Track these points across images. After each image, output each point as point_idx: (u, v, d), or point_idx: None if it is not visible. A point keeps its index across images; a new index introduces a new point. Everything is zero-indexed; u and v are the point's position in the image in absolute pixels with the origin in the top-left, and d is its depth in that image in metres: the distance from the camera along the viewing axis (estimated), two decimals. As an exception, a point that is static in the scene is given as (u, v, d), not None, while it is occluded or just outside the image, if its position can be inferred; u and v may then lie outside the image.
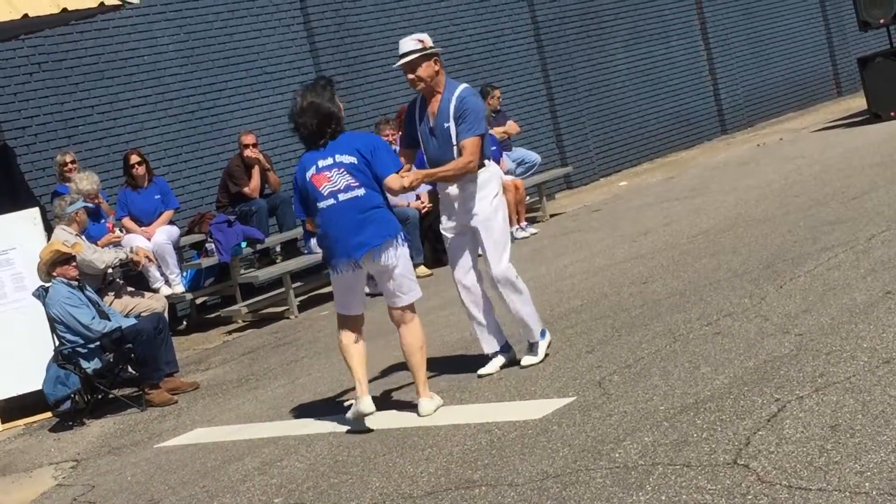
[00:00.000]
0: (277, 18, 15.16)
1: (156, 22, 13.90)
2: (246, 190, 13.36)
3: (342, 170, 7.24)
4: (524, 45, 18.40)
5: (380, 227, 7.27)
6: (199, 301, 13.50)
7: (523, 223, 14.60)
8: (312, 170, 7.31)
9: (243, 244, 12.88)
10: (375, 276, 7.48)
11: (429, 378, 7.63)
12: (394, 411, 7.65)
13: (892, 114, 17.43)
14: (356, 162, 7.25)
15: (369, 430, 7.26)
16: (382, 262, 7.30)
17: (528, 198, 15.31)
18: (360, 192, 7.24)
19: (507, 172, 15.14)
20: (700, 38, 21.52)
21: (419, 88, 7.87)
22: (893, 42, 18.16)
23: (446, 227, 7.99)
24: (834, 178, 12.99)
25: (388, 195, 7.46)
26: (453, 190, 7.87)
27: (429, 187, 13.72)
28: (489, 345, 8.05)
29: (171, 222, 12.83)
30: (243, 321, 12.70)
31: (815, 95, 23.58)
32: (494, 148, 14.95)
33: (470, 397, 7.57)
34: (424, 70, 7.81)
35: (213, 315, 13.27)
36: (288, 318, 12.39)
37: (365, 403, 7.24)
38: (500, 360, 8.03)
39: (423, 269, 13.07)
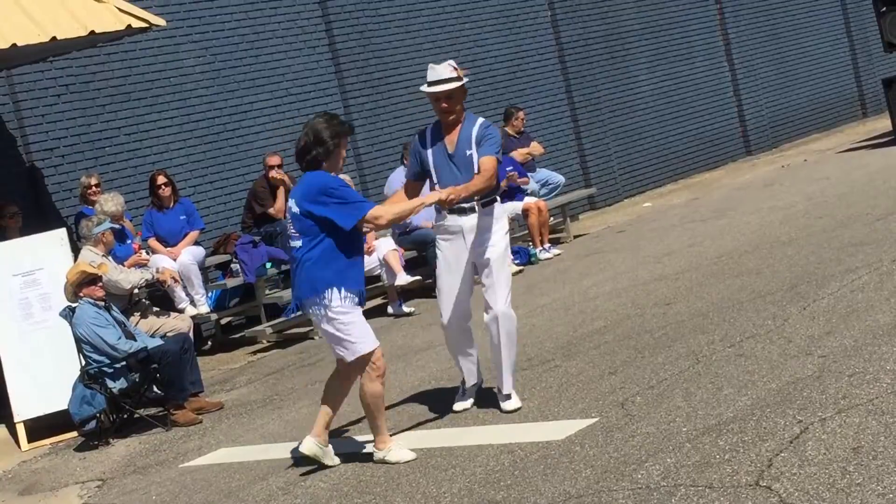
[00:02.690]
0: (303, 40, 15.25)
1: (182, 44, 14.01)
2: (271, 211, 13.42)
3: (290, 217, 7.17)
4: (548, 66, 18.45)
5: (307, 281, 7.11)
6: (223, 321, 13.56)
7: (546, 244, 14.61)
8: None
9: (268, 265, 12.94)
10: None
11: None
12: (419, 431, 7.67)
13: (917, 135, 17.41)
14: (298, 212, 7.06)
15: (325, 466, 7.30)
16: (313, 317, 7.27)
17: (551, 219, 15.33)
18: (298, 242, 7.13)
19: (530, 193, 15.19)
20: (724, 58, 21.53)
21: (449, 119, 7.71)
22: (918, 63, 18.14)
23: (446, 261, 7.89)
24: (858, 200, 12.97)
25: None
26: (469, 221, 7.73)
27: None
28: (473, 376, 8.00)
29: (196, 243, 12.88)
30: (268, 341, 12.75)
31: (839, 117, 23.54)
32: (511, 168, 15.02)
33: (493, 418, 7.59)
34: (458, 100, 7.73)
35: (237, 335, 13.32)
36: (312, 338, 12.43)
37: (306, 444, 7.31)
38: (471, 397, 7.99)
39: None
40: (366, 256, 12.84)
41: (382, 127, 15.90)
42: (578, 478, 5.96)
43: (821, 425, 5.89)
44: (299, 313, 7.60)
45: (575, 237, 15.84)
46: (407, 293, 13.11)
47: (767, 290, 9.37)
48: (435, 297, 12.96)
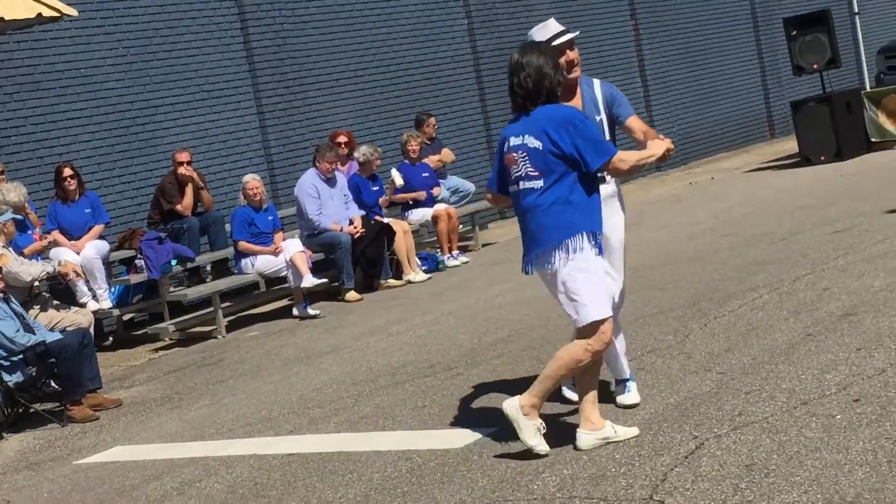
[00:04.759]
0: (217, 37, 15.13)
1: (94, 35, 13.81)
2: (178, 207, 13.29)
3: (525, 154, 6.29)
4: (463, 74, 18.49)
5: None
6: (126, 317, 13.38)
7: (455, 252, 14.64)
8: (507, 146, 6.39)
9: (173, 262, 12.79)
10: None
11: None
12: (318, 435, 7.64)
13: (822, 158, 17.71)
14: (539, 146, 6.24)
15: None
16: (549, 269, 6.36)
17: (461, 226, 15.36)
18: (536, 182, 6.27)
19: (440, 200, 15.21)
20: (637, 75, 21.73)
21: (575, 75, 6.87)
22: (826, 88, 18.46)
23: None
24: (763, 220, 13.17)
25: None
26: (610, 188, 6.96)
27: (362, 213, 13.76)
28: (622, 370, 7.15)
29: (100, 237, 12.71)
30: (170, 339, 12.61)
31: (748, 137, 23.86)
32: (427, 175, 15.05)
33: (393, 424, 7.57)
34: (577, 54, 6.97)
35: (139, 332, 13.16)
36: (215, 337, 12.33)
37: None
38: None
39: (353, 294, 13.07)
40: (272, 257, 12.87)
41: (295, 128, 15.82)
42: (475, 486, 5.97)
43: (716, 441, 5.95)
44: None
45: (483, 245, 15.89)
46: (313, 295, 13.05)
47: (670, 306, 9.47)
48: (341, 300, 13.09)
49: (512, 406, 6.24)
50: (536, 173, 6.23)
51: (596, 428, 6.26)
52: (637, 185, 20.22)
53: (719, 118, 23.29)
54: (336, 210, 13.57)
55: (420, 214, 14.83)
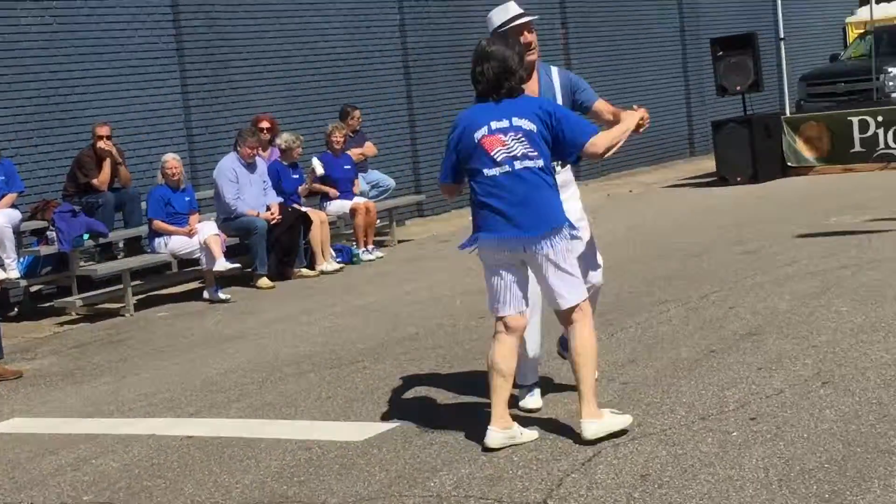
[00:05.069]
0: (147, 13, 14.97)
1: (21, 1, 13.61)
2: (95, 182, 13.14)
3: (520, 135, 6.27)
4: (392, 69, 18.48)
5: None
6: (33, 289, 13.22)
7: (370, 246, 14.64)
8: (484, 130, 6.33)
9: (86, 236, 12.66)
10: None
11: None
12: (220, 420, 7.60)
13: (739, 179, 17.97)
14: (534, 129, 6.27)
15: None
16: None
17: (378, 221, 15.36)
18: (537, 162, 6.28)
19: (360, 194, 15.20)
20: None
21: (531, 59, 6.74)
22: (747, 110, 18.72)
23: None
24: (676, 235, 13.34)
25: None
26: (568, 174, 6.94)
27: (280, 200, 13.71)
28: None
29: (13, 206, 12.55)
30: (77, 314, 12.47)
31: (669, 153, 24.12)
32: (349, 167, 15.04)
33: (296, 413, 7.56)
34: (535, 38, 6.89)
35: (46, 304, 13.00)
36: (123, 315, 12.21)
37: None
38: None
39: (265, 281, 13.02)
40: (186, 238, 12.78)
41: (219, 110, 15.72)
42: (372, 480, 5.98)
43: (613, 450, 6.03)
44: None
45: (399, 242, 15.91)
46: (225, 279, 12.98)
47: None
48: (252, 286, 13.03)
49: (591, 427, 6.19)
50: (535, 153, 6.24)
51: (507, 426, 6.30)
52: (556, 193, 20.35)
53: (642, 133, 23.47)
54: (254, 196, 13.51)
55: (338, 206, 14.81)
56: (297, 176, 14.37)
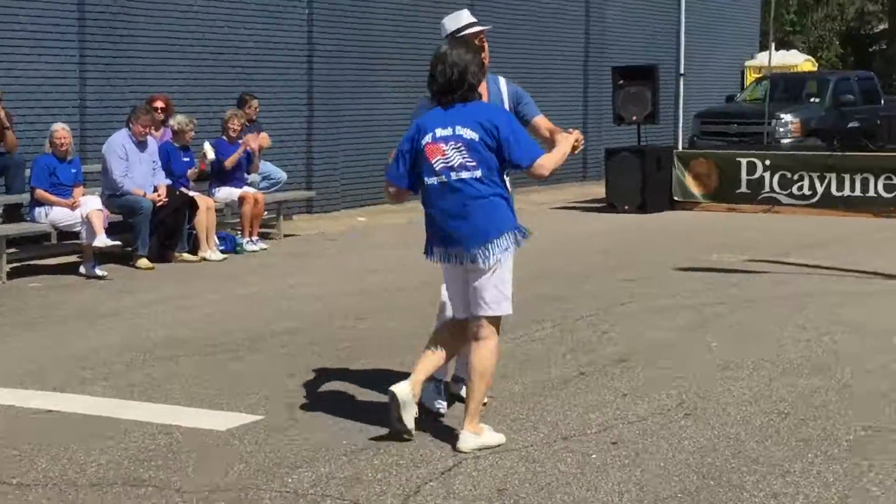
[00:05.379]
0: (51, -21, 14.74)
1: (-79, -48, 13.32)
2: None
3: (460, 144, 6.25)
4: (295, 63, 18.40)
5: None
6: None
7: (255, 237, 14.55)
8: (429, 137, 6.32)
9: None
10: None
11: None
12: (86, 397, 7.49)
13: (627, 207, 18.23)
14: (476, 138, 6.23)
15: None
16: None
17: (266, 213, 15.28)
18: (475, 173, 6.24)
19: (250, 183, 15.11)
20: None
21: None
22: (641, 141, 18.99)
23: None
24: (560, 257, 13.47)
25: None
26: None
27: (168, 181, 13.57)
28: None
29: None
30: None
31: (562, 175, 24.31)
32: (241, 156, 14.93)
33: (162, 397, 7.48)
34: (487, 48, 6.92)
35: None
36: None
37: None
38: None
39: (145, 262, 12.87)
40: (68, 211, 12.57)
41: (116, 85, 15.51)
42: (230, 471, 5.95)
43: (474, 462, 6.07)
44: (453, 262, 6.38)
45: (285, 236, 15.84)
46: (103, 256, 12.78)
47: (456, 325, 9.59)
48: (131, 265, 12.86)
49: (467, 442, 6.24)
50: (474, 163, 6.20)
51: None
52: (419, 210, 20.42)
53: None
54: (142, 175, 13.35)
55: (227, 193, 14.70)
56: (188, 159, 14.23)
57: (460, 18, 6.99)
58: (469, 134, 6.21)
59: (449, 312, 6.73)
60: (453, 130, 6.24)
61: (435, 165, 6.25)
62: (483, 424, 6.42)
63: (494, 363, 6.41)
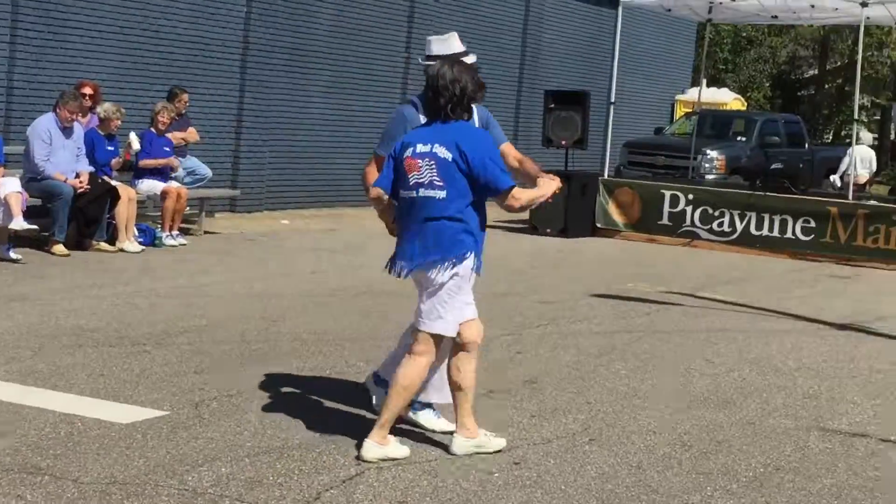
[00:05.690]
0: (-14, -45, 14.55)
1: None
2: None
3: (433, 162, 6.28)
4: (229, 60, 18.30)
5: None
6: None
7: (175, 232, 14.43)
8: (410, 150, 6.36)
9: None
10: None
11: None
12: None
13: (548, 231, 18.34)
14: (449, 158, 6.27)
15: None
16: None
17: (188, 208, 15.16)
18: (440, 193, 6.29)
19: (174, 178, 14.99)
20: (398, 103, 21.94)
21: None
22: (568, 165, 19.10)
23: None
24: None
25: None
26: None
27: (91, 169, 13.42)
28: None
29: None
30: None
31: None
32: (168, 149, 14.83)
33: (65, 386, 7.39)
34: None
35: None
36: None
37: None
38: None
39: (61, 248, 12.72)
40: (-14, 190, 12.37)
41: (45, 67, 15.34)
42: (130, 465, 5.89)
43: (376, 473, 6.06)
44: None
45: (205, 233, 15.73)
46: (19, 239, 12.61)
47: (371, 334, 9.59)
48: (47, 251, 12.69)
49: (370, 451, 6.28)
50: (441, 183, 6.25)
51: (472, 435, 6.45)
52: (370, 213, 20.38)
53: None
54: (65, 160, 13.19)
55: (150, 186, 14.58)
56: (112, 148, 14.10)
57: (451, 45, 7.01)
58: (444, 153, 6.26)
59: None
60: (431, 148, 6.29)
61: (410, 180, 6.33)
62: (391, 436, 6.42)
63: (419, 382, 6.44)
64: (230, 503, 5.49)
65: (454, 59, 6.64)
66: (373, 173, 6.85)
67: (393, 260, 6.55)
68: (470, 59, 6.97)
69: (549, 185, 6.72)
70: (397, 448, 6.38)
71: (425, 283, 6.41)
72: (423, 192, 6.29)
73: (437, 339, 6.46)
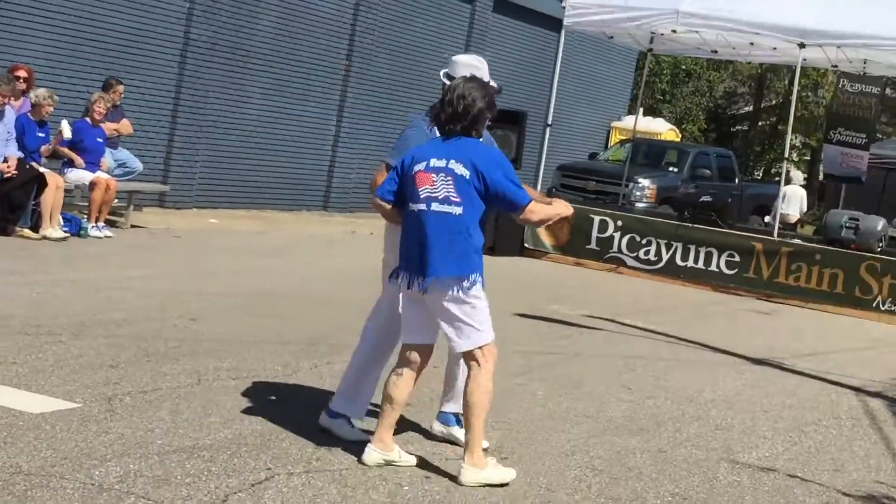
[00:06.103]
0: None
1: None
2: None
3: (450, 178, 6.29)
4: (168, 54, 18.19)
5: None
6: None
7: (101, 223, 14.30)
8: (423, 165, 6.35)
9: None
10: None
11: None
12: None
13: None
14: (466, 175, 6.27)
15: None
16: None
17: (116, 201, 15.03)
18: (457, 209, 6.29)
19: (105, 170, 14.86)
20: (335, 112, 21.96)
21: None
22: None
23: None
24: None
25: None
26: None
27: (20, 154, 13.27)
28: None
29: None
30: None
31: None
32: (101, 140, 14.70)
33: (-24, 371, 7.30)
34: None
35: None
36: None
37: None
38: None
39: (-18, 232, 12.56)
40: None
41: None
42: (36, 456, 5.81)
43: (286, 478, 6.03)
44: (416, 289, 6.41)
45: (132, 226, 15.60)
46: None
47: (290, 339, 9.55)
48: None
49: (468, 478, 6.36)
50: (458, 199, 6.24)
51: (387, 449, 6.49)
52: (298, 217, 20.34)
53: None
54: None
55: (79, 175, 14.43)
56: (43, 134, 13.95)
57: (481, 70, 7.04)
58: (461, 170, 6.25)
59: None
60: (447, 163, 6.28)
61: (420, 193, 6.30)
62: (490, 458, 6.56)
63: (484, 396, 6.51)
64: (136, 500, 5.43)
65: (473, 78, 6.65)
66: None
67: (402, 273, 6.47)
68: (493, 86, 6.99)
69: (564, 207, 6.86)
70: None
71: (436, 298, 6.37)
72: (436, 206, 6.28)
73: (480, 351, 6.55)
